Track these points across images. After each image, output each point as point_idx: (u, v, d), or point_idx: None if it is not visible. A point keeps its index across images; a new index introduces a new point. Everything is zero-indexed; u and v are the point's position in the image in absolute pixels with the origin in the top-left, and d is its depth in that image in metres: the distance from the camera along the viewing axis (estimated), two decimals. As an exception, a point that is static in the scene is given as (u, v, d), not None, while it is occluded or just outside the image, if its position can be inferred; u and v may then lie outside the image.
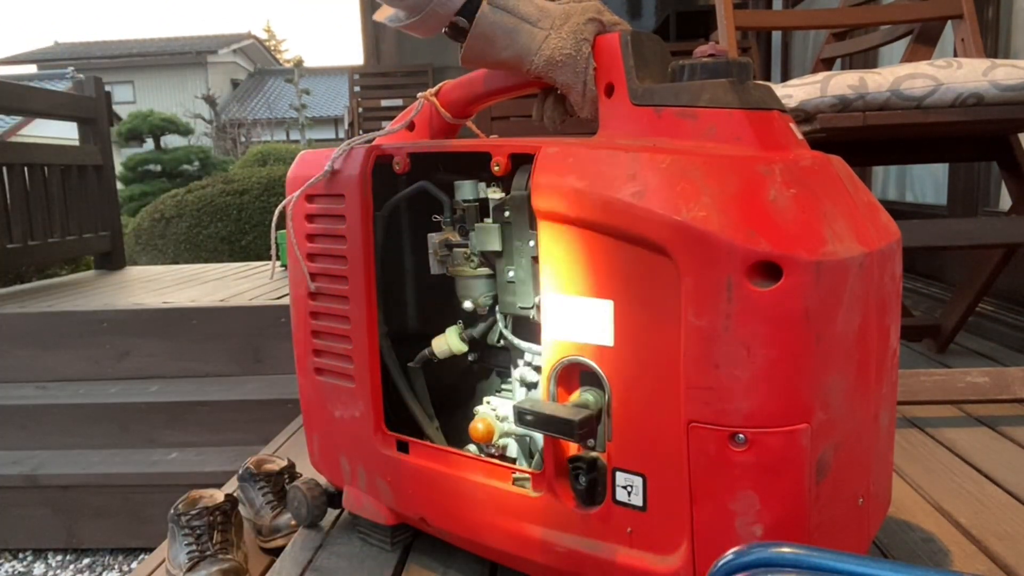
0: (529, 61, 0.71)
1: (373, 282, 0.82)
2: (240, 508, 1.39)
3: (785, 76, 4.26)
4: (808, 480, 0.58)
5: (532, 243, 0.70)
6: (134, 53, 19.16)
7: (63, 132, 3.55)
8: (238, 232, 5.61)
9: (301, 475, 1.31)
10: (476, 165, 0.77)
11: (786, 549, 0.49)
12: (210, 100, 15.15)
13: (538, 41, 0.70)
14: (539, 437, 0.73)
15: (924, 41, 1.72)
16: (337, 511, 1.01)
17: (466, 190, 0.78)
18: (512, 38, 0.71)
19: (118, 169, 8.62)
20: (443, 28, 0.72)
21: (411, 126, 0.88)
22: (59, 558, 2.21)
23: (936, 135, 1.49)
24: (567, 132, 0.82)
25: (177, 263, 5.09)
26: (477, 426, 0.76)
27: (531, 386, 0.77)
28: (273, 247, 0.92)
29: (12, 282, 3.56)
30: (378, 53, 5.72)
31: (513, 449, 0.78)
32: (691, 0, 5.22)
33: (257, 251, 5.53)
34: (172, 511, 1.20)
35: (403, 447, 0.84)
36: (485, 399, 0.80)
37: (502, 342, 0.79)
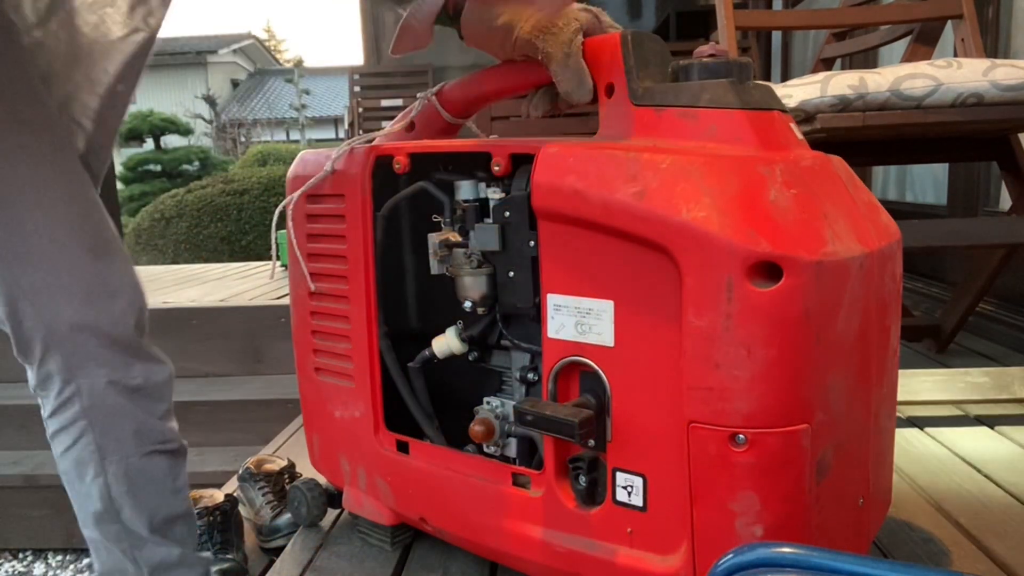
0: (519, 26, 0.73)
1: (373, 282, 0.82)
2: (240, 508, 1.39)
3: (785, 76, 4.26)
4: (808, 480, 0.58)
5: (532, 243, 0.70)
6: (134, 53, 19.12)
7: (63, 132, 3.55)
8: (238, 232, 5.61)
9: (301, 475, 1.31)
10: (476, 165, 0.77)
11: (786, 549, 0.49)
12: (210, 100, 15.15)
13: (531, 10, 0.73)
14: (539, 437, 0.73)
15: (924, 41, 1.71)
16: (337, 511, 1.01)
17: (466, 190, 0.78)
18: (508, 4, 0.74)
19: (118, 169, 8.62)
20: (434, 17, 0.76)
21: (411, 126, 0.88)
22: (59, 558, 2.21)
23: (936, 135, 1.49)
24: (567, 132, 0.82)
25: (177, 263, 5.09)
26: (477, 426, 0.76)
27: (531, 386, 0.77)
28: (273, 247, 0.91)
29: (12, 282, 3.56)
30: (378, 53, 5.72)
31: (513, 449, 0.78)
32: (691, 0, 5.22)
33: (257, 251, 5.53)
34: (172, 511, 1.20)
35: (403, 447, 0.84)
36: (485, 399, 0.80)
37: (502, 342, 0.79)
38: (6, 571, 2.17)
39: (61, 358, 0.87)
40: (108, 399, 0.89)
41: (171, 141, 11.22)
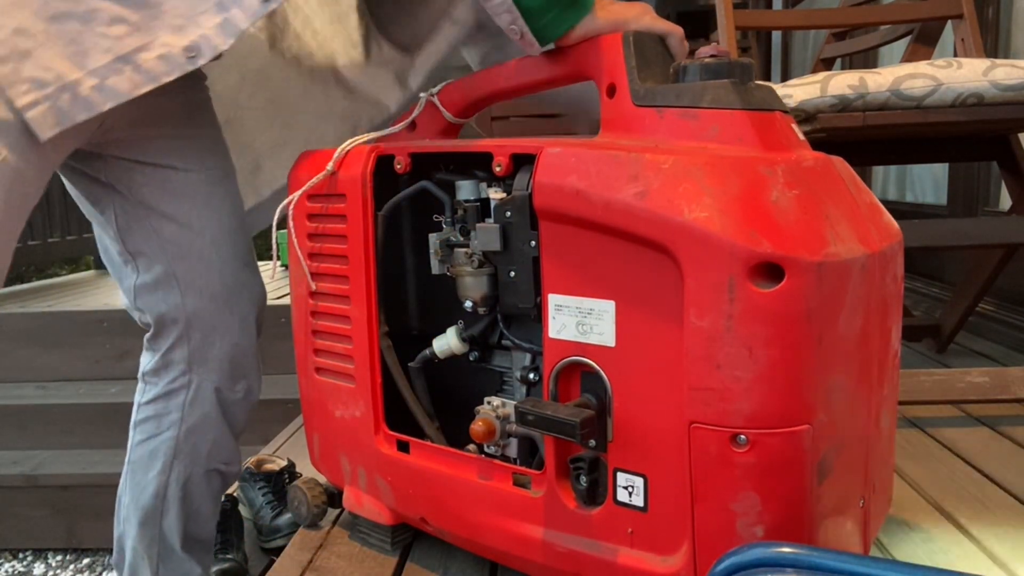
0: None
1: (374, 282, 0.82)
2: (240, 508, 1.39)
3: (785, 76, 4.26)
4: (809, 481, 0.58)
5: (533, 243, 0.70)
6: (133, 52, 19.09)
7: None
8: (238, 232, 5.60)
9: (301, 475, 1.31)
10: (478, 165, 0.77)
11: (786, 549, 0.49)
12: (209, 99, 15.11)
13: None
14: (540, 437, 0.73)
15: (924, 41, 1.72)
16: (337, 511, 1.01)
17: (467, 190, 0.78)
18: None
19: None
20: None
21: (412, 126, 0.88)
22: (59, 558, 2.21)
23: (936, 135, 1.49)
24: (568, 132, 0.82)
25: (177, 263, 5.07)
26: (478, 426, 0.76)
27: (532, 386, 0.77)
28: (274, 247, 0.92)
29: (12, 282, 3.56)
30: (378, 53, 5.70)
31: (513, 449, 0.78)
32: (691, 0, 5.22)
33: (257, 251, 5.52)
34: (172, 511, 1.20)
35: (403, 447, 0.84)
36: (486, 399, 0.80)
37: (503, 342, 0.79)
38: (6, 571, 2.17)
39: (188, 350, 0.94)
40: (207, 404, 0.96)
41: (171, 141, 11.18)
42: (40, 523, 2.20)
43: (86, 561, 2.18)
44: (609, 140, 0.68)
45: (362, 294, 0.82)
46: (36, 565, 2.19)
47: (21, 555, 2.24)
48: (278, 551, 1.06)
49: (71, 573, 2.14)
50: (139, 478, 0.97)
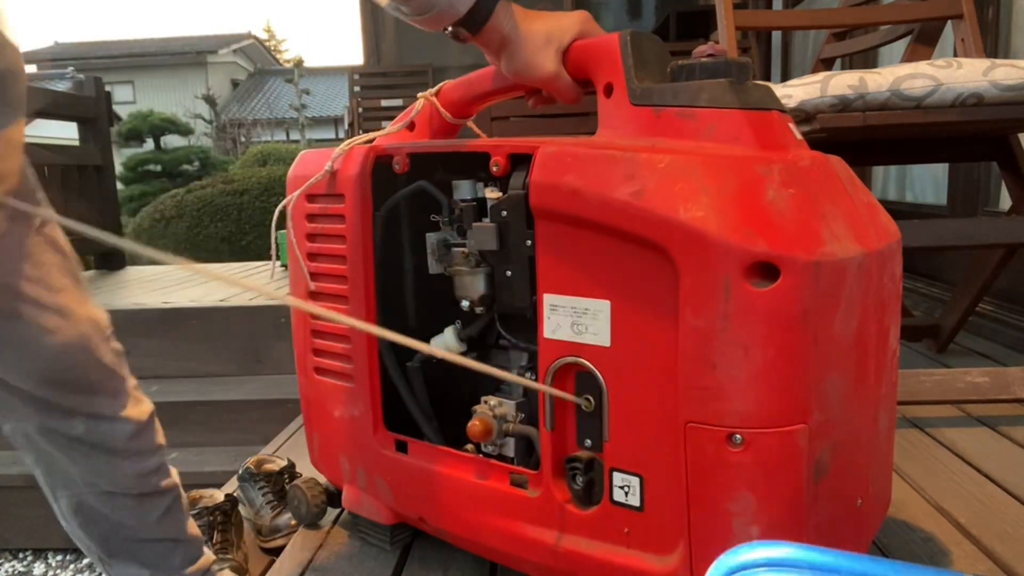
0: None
1: (372, 281, 0.82)
2: (240, 508, 1.39)
3: (785, 76, 4.26)
4: (806, 481, 0.58)
5: (529, 243, 0.70)
6: (134, 53, 19.11)
7: (63, 132, 3.58)
8: (238, 232, 5.61)
9: (301, 475, 1.31)
10: (475, 165, 0.77)
11: (784, 548, 0.49)
12: (210, 100, 15.15)
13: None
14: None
15: (924, 41, 1.71)
16: (337, 511, 1.01)
17: (464, 190, 0.78)
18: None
19: (118, 169, 8.58)
20: (445, 29, 0.74)
21: (411, 126, 0.88)
22: (59, 558, 2.21)
23: (936, 135, 1.49)
24: (567, 132, 0.82)
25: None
26: (475, 425, 0.76)
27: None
28: (273, 247, 0.91)
29: (12, 282, 3.55)
30: (378, 53, 5.71)
31: (511, 449, 0.78)
32: (691, 0, 5.22)
33: (257, 251, 5.53)
34: (171, 511, 1.20)
35: (402, 447, 0.84)
36: (483, 398, 0.80)
37: (500, 342, 0.79)
38: (6, 571, 2.17)
39: None
40: (43, 445, 0.86)
41: (171, 141, 11.21)
42: (40, 523, 2.20)
43: (86, 561, 2.19)
44: (606, 139, 0.67)
45: (360, 294, 0.82)
46: (36, 565, 2.19)
47: (21, 555, 2.24)
48: (278, 551, 1.05)
49: (71, 573, 2.14)
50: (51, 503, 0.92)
